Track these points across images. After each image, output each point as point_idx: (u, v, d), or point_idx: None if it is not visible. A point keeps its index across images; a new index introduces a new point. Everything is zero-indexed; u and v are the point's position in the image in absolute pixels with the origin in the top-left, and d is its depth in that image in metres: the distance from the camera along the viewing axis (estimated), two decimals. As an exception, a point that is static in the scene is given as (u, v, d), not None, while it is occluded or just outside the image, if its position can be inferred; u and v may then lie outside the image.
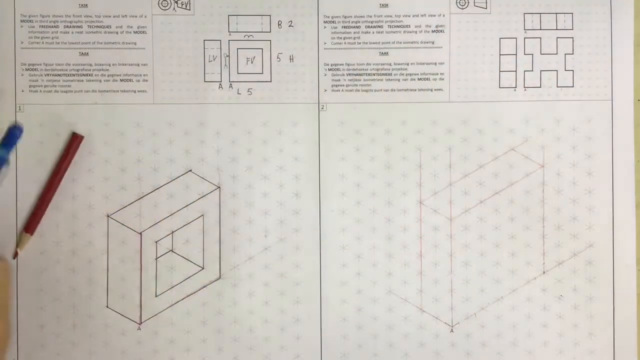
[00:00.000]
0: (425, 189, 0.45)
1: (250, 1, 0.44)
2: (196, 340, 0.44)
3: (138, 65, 0.44)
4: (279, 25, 0.44)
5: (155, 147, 0.44)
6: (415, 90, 0.45)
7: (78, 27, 0.44)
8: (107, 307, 0.44)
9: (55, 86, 0.44)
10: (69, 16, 0.44)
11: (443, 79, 0.45)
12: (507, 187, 0.45)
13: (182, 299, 0.44)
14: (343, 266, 0.45)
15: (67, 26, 0.44)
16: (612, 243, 0.45)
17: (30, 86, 0.44)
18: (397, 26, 0.45)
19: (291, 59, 0.44)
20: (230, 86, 0.44)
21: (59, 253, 0.44)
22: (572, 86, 0.45)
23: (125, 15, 0.44)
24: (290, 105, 0.44)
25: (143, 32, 0.44)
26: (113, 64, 0.44)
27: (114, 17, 0.44)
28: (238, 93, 0.44)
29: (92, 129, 0.44)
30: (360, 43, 0.45)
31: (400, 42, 0.45)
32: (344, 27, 0.45)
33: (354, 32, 0.45)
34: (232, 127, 0.44)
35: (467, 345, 0.45)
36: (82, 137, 0.44)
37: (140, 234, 0.44)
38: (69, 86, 0.44)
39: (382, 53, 0.45)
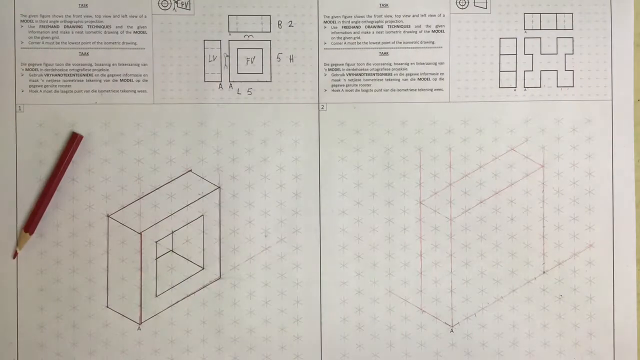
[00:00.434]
0: (425, 189, 0.45)
1: (250, 1, 0.44)
2: (196, 340, 0.44)
3: (138, 65, 0.44)
4: (279, 25, 0.44)
5: (155, 147, 0.44)
6: (415, 90, 0.45)
7: (78, 27, 0.44)
8: (107, 307, 0.44)
9: (55, 86, 0.44)
10: (69, 16, 0.44)
11: (443, 79, 0.45)
12: (507, 187, 0.45)
13: (182, 299, 0.44)
14: (343, 266, 0.45)
15: (67, 26, 0.44)
16: (612, 243, 0.45)
17: (30, 86, 0.44)
18: (397, 26, 0.45)
19: (291, 59, 0.44)
20: (230, 86, 0.44)
21: (59, 253, 0.44)
22: (572, 86, 0.45)
23: (125, 15, 0.44)
24: (290, 105, 0.44)
25: (143, 32, 0.44)
26: (113, 64, 0.44)
27: (114, 17, 0.44)
28: (238, 93, 0.44)
29: (92, 129, 0.44)
30: (360, 43, 0.45)
31: (400, 42, 0.45)
32: (344, 27, 0.45)
33: (354, 32, 0.45)
34: (232, 127, 0.44)
35: (467, 345, 0.45)
36: (81, 137, 0.44)
37: (140, 234, 0.44)
38: (69, 86, 0.44)
39: (382, 53, 0.45)
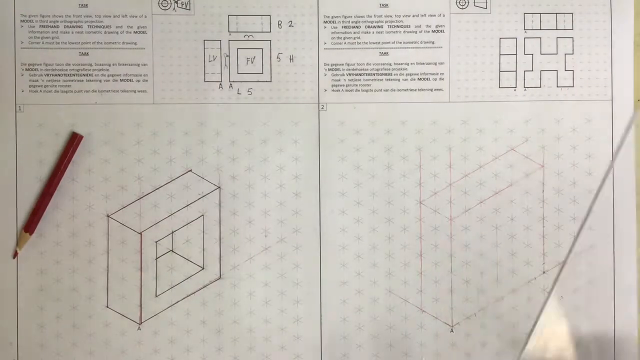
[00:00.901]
0: (425, 189, 0.45)
1: (250, 1, 0.44)
2: (196, 340, 0.44)
3: (138, 65, 0.44)
4: (279, 25, 0.44)
5: (155, 147, 0.44)
6: (415, 90, 0.45)
7: (78, 27, 0.44)
8: (107, 307, 0.44)
9: (55, 86, 0.44)
10: (69, 16, 0.44)
11: (443, 79, 0.45)
12: (507, 187, 0.45)
13: (182, 299, 0.44)
14: (343, 266, 0.45)
15: (67, 26, 0.44)
16: (613, 243, 0.45)
17: (30, 86, 0.44)
18: (397, 26, 0.45)
19: (291, 59, 0.44)
20: (230, 86, 0.44)
21: (59, 253, 0.44)
22: (572, 86, 0.45)
23: (125, 15, 0.44)
24: (290, 105, 0.44)
25: (143, 32, 0.44)
26: (113, 64, 0.44)
27: (114, 17, 0.44)
28: (238, 93, 0.44)
29: (92, 129, 0.44)
30: (360, 43, 0.45)
31: (400, 42, 0.45)
32: (344, 27, 0.45)
33: (354, 32, 0.45)
34: (232, 127, 0.44)
35: (467, 345, 0.45)
36: (81, 137, 0.44)
37: (140, 234, 0.44)
38: (69, 86, 0.44)
39: (382, 53, 0.45)
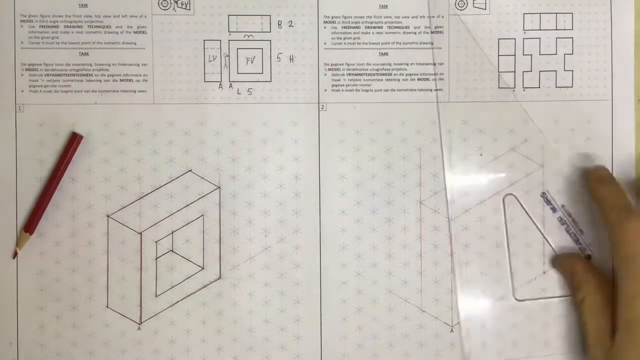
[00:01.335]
0: (425, 189, 0.45)
1: (250, 1, 0.44)
2: (196, 340, 0.44)
3: (138, 65, 0.44)
4: (279, 25, 0.44)
5: (155, 147, 0.44)
6: (415, 90, 0.45)
7: (78, 27, 0.44)
8: (107, 307, 0.44)
9: (55, 86, 0.44)
10: (69, 16, 0.44)
11: (443, 79, 0.45)
12: (507, 187, 0.45)
13: (182, 299, 0.44)
14: (343, 266, 0.45)
15: (67, 26, 0.44)
16: (612, 243, 0.45)
17: (30, 86, 0.44)
18: (397, 27, 0.45)
19: (291, 59, 0.45)
20: (230, 86, 0.44)
21: (59, 253, 0.44)
22: (572, 86, 0.45)
23: (125, 15, 0.44)
24: (290, 105, 0.44)
25: (143, 32, 0.44)
26: (113, 64, 0.44)
27: (114, 17, 0.44)
28: (238, 93, 0.44)
29: (92, 129, 0.44)
30: (360, 43, 0.45)
31: (400, 43, 0.45)
32: (344, 27, 0.45)
33: (354, 33, 0.45)
34: (232, 127, 0.44)
35: (467, 345, 0.45)
36: (81, 137, 0.44)
37: (140, 234, 0.44)
38: (69, 86, 0.44)
39: (382, 53, 0.45)
